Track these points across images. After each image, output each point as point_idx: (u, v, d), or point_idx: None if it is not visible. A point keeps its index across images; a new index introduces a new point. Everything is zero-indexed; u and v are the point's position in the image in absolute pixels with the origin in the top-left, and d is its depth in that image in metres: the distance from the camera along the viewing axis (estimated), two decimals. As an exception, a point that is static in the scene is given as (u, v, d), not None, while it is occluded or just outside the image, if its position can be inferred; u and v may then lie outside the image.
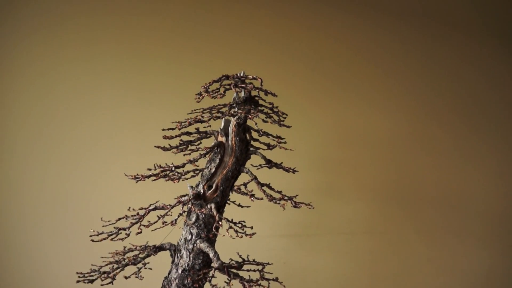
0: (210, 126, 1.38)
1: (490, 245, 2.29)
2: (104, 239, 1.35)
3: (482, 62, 2.34)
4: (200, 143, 1.40)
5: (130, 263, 1.39)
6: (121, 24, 2.17)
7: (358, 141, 2.28)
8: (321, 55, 2.29)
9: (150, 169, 1.35)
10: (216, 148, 1.39)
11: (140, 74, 2.17)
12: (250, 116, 1.31)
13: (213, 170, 1.39)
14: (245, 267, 1.44)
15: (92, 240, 1.34)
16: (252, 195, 1.35)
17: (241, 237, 1.28)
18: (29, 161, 2.12)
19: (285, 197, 1.36)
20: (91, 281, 1.38)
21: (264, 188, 1.38)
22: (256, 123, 1.37)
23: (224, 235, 1.27)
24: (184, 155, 1.37)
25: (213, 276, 1.29)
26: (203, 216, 1.37)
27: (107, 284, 1.36)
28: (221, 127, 1.40)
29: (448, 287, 2.27)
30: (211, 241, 1.38)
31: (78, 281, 1.38)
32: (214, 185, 1.38)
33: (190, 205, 1.36)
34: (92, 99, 2.15)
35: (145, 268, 1.42)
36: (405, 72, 2.32)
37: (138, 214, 1.35)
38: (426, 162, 2.30)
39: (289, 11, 2.27)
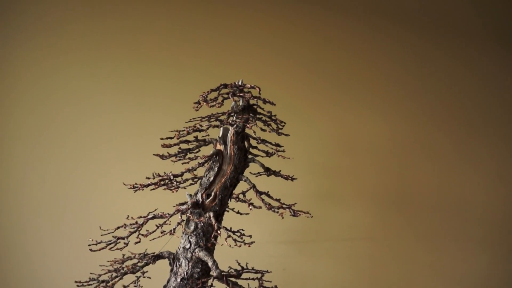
0: (208, 135, 1.38)
1: (490, 249, 2.29)
2: (103, 248, 1.34)
3: (482, 66, 2.34)
4: (199, 151, 1.41)
5: (128, 271, 1.39)
6: (121, 28, 2.18)
7: (357, 146, 2.27)
8: (320, 59, 2.29)
9: (148, 178, 1.35)
10: (214, 156, 1.39)
11: (140, 78, 2.17)
12: (248, 126, 1.31)
13: (211, 178, 1.39)
14: (244, 275, 1.44)
15: (91, 250, 1.34)
16: (251, 204, 1.35)
17: (240, 246, 1.28)
18: (29, 165, 2.11)
19: (284, 206, 1.36)
20: (90, 290, 1.38)
21: (263, 196, 1.38)
22: (254, 132, 1.37)
23: (222, 244, 1.27)
24: (182, 163, 1.37)
25: (211, 285, 1.29)
26: (202, 224, 1.37)
27: (106, 293, 1.36)
28: (220, 135, 1.40)
29: (448, 292, 2.27)
30: (210, 250, 1.38)
31: (76, 290, 1.38)
32: (212, 193, 1.38)
33: (188, 214, 1.36)
34: (92, 103, 2.15)
35: (144, 277, 1.42)
36: (404, 76, 2.32)
37: (136, 223, 1.35)
38: (426, 166, 2.30)
39: (289, 15, 2.27)
